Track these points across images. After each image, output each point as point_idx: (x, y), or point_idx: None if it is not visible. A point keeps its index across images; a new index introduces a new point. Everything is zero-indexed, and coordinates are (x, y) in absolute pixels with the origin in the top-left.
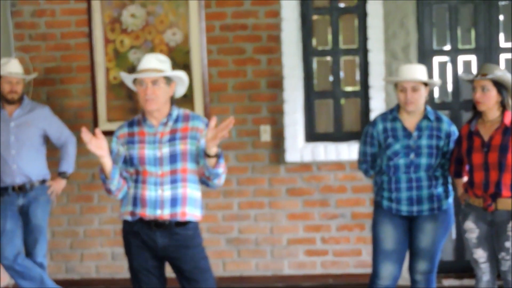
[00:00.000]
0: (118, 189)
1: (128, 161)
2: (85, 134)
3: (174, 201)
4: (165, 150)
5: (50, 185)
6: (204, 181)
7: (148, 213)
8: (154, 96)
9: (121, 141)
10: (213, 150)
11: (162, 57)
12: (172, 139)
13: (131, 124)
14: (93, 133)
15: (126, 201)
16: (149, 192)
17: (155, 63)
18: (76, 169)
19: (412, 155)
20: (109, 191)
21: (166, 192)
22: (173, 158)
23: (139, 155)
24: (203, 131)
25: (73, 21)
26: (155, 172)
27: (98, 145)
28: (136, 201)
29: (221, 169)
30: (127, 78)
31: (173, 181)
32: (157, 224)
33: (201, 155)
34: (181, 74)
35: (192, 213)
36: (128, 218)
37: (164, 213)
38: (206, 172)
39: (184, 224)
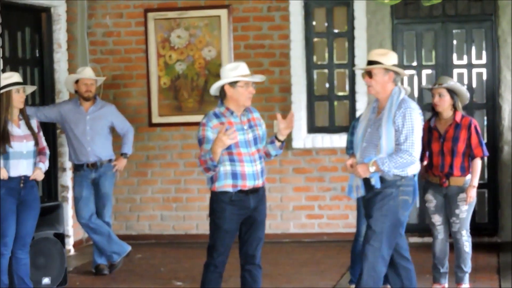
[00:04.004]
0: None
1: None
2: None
3: (262, 172)
4: (250, 135)
5: (115, 164)
6: (264, 157)
7: (248, 184)
8: (252, 94)
9: (215, 130)
10: (283, 137)
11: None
12: (250, 126)
13: (216, 116)
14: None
15: (223, 176)
16: (248, 168)
17: (248, 70)
18: (134, 151)
19: None
20: (209, 170)
21: (258, 166)
22: (255, 140)
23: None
24: (260, 119)
25: (134, 40)
26: (247, 153)
27: (232, 137)
28: (237, 175)
29: (282, 150)
30: (227, 80)
31: (260, 158)
32: (252, 191)
33: (264, 139)
34: (262, 77)
35: (264, 179)
36: (229, 189)
37: (260, 182)
38: (273, 152)
39: (263, 187)
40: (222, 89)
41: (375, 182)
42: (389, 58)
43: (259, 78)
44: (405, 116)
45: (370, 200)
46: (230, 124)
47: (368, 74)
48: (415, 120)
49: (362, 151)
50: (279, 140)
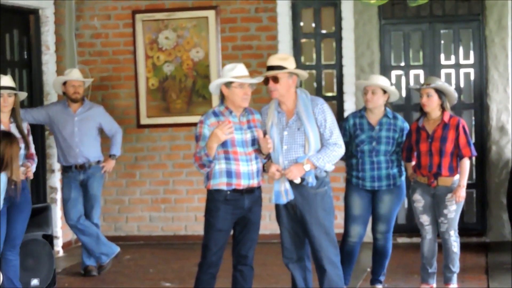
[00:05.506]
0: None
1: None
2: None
3: (257, 173)
4: (248, 135)
5: (103, 165)
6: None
7: (243, 183)
8: (249, 96)
9: (212, 128)
10: (265, 152)
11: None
12: (249, 127)
13: (215, 115)
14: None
15: (218, 174)
16: (243, 167)
17: (246, 71)
18: (122, 153)
19: (374, 143)
20: (204, 167)
21: (254, 166)
22: (253, 141)
23: (231, 139)
24: (261, 121)
25: (122, 42)
26: (244, 152)
27: (227, 132)
28: (231, 174)
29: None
30: (222, 80)
31: (256, 158)
32: (247, 191)
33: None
34: (258, 79)
35: (260, 180)
36: (224, 187)
37: (255, 182)
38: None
39: (259, 188)
40: (221, 89)
41: (312, 180)
42: (291, 62)
43: (255, 79)
44: (324, 111)
45: (306, 201)
46: (229, 123)
47: (273, 79)
48: (332, 113)
49: (285, 154)
50: (262, 153)
